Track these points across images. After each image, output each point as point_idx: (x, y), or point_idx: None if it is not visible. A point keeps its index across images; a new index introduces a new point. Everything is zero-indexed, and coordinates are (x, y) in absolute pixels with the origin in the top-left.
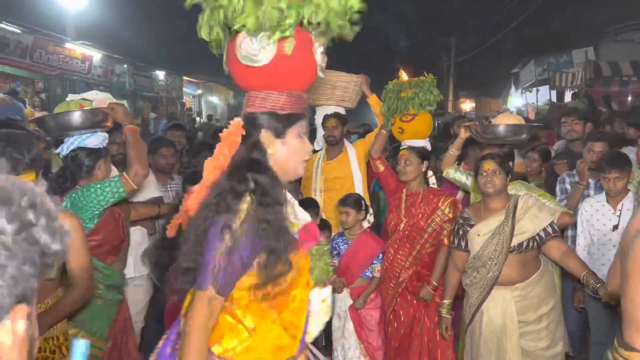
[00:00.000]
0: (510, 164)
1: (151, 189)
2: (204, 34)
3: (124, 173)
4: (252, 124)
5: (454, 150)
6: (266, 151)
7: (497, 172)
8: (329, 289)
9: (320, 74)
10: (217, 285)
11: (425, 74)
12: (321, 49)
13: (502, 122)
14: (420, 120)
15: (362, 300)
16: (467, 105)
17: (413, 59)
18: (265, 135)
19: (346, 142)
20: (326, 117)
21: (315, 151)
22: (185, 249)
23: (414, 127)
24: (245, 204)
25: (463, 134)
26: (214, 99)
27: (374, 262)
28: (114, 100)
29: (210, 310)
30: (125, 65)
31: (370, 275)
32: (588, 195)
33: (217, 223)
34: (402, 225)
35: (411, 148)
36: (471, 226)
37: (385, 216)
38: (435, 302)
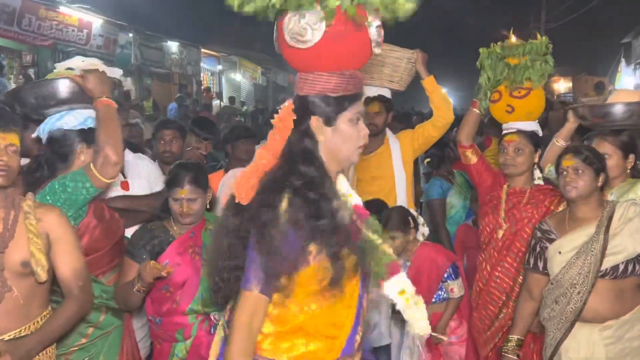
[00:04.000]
0: (632, 157)
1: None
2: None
3: (91, 163)
4: (302, 109)
5: (561, 142)
6: (316, 139)
7: (581, 171)
8: (401, 276)
9: (376, 50)
10: (260, 286)
11: (539, 36)
12: (377, 22)
13: (619, 100)
14: (537, 97)
15: (441, 330)
16: (562, 85)
17: (491, 24)
18: (315, 122)
19: (388, 133)
20: (368, 100)
21: None
22: (231, 246)
23: (528, 105)
24: (285, 202)
25: (572, 120)
26: (238, 77)
27: (446, 279)
28: (103, 67)
29: (254, 310)
30: (130, 34)
31: (446, 296)
32: None
33: (259, 223)
34: (501, 233)
35: (522, 132)
36: (551, 241)
37: (461, 225)
38: None
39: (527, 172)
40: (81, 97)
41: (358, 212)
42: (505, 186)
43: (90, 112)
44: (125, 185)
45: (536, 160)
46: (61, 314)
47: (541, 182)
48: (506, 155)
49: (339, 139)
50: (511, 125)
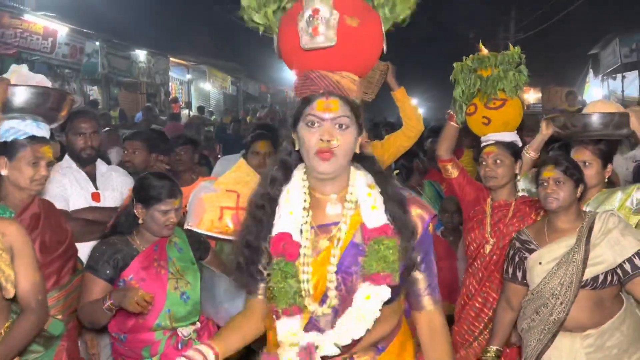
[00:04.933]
0: (610, 167)
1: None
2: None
3: None
4: None
5: (531, 153)
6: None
7: (562, 182)
8: (292, 321)
9: (306, 41)
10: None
11: (512, 47)
12: (308, 12)
13: (597, 111)
14: (512, 107)
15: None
16: (531, 96)
17: (458, 35)
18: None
19: None
20: None
21: None
22: None
23: (504, 115)
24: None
25: (545, 130)
26: (207, 86)
27: None
28: (24, 75)
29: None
30: (97, 43)
31: None
32: None
33: None
34: (489, 248)
35: (500, 143)
36: (531, 251)
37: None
38: None
39: (509, 183)
40: (36, 107)
41: (366, 234)
42: (489, 200)
43: (13, 124)
44: (96, 197)
45: (517, 170)
46: (21, 328)
47: (525, 194)
48: (486, 168)
49: (300, 144)
50: (489, 137)
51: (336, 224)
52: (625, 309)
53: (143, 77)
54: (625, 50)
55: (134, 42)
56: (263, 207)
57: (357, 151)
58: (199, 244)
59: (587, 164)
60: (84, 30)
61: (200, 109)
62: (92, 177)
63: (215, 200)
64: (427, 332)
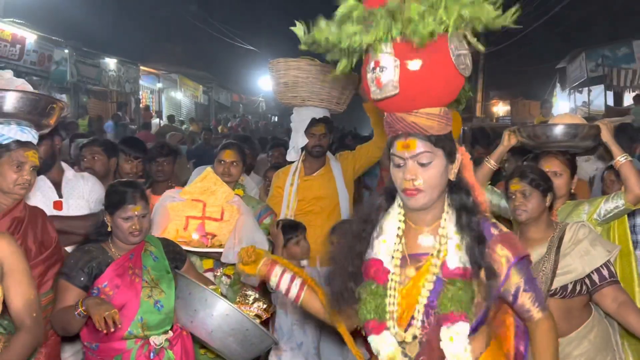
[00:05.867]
0: (576, 178)
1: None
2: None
3: None
4: None
5: (492, 163)
6: None
7: (529, 194)
8: (385, 335)
9: (373, 91)
10: None
11: None
12: (371, 64)
13: (562, 122)
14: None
15: None
16: (501, 109)
17: None
18: None
19: (329, 154)
20: (314, 122)
21: (285, 162)
22: None
23: None
24: None
25: (507, 141)
26: (178, 95)
27: None
28: (6, 77)
29: None
30: (66, 50)
31: None
32: None
33: None
34: None
35: None
36: None
37: None
38: None
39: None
40: (23, 113)
41: (445, 272)
42: None
43: None
44: (57, 205)
45: None
46: (16, 347)
47: None
48: None
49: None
50: None
51: (426, 255)
52: (593, 317)
53: (113, 86)
54: (592, 64)
55: (103, 50)
56: (362, 231)
57: (452, 178)
58: (175, 253)
59: (557, 173)
60: (53, 37)
61: (171, 117)
62: (58, 185)
63: (181, 210)
64: (533, 335)
